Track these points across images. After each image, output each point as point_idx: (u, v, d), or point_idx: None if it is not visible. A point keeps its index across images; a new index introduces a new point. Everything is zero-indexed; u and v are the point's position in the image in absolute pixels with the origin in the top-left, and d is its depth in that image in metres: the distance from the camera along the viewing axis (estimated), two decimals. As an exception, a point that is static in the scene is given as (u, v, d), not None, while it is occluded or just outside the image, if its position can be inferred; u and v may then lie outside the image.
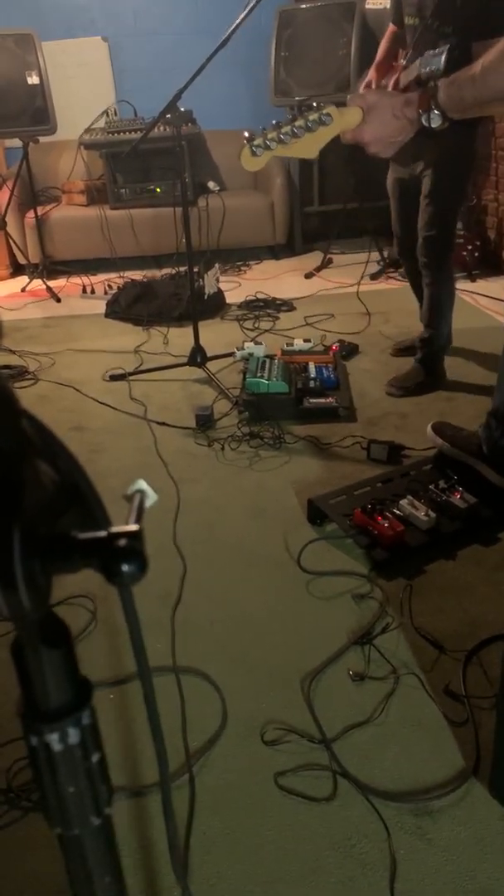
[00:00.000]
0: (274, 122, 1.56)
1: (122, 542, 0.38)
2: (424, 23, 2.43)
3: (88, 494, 0.43)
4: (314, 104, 1.52)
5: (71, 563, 0.39)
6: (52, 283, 4.77)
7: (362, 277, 4.38)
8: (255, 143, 1.55)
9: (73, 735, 0.45)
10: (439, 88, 1.52)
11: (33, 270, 4.99)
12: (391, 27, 2.76)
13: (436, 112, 1.53)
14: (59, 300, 4.62)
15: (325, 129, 1.53)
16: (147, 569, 0.38)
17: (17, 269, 5.31)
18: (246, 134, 1.56)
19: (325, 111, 1.51)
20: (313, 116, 1.51)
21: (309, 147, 1.56)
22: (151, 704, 0.44)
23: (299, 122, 1.52)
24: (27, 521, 0.36)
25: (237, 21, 2.47)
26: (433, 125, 1.54)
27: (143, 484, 0.44)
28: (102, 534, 0.40)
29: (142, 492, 0.43)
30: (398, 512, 2.03)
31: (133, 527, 0.40)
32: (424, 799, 1.33)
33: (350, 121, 1.56)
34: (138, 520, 0.41)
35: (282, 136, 1.53)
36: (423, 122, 1.55)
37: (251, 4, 2.45)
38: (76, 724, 0.45)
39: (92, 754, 0.46)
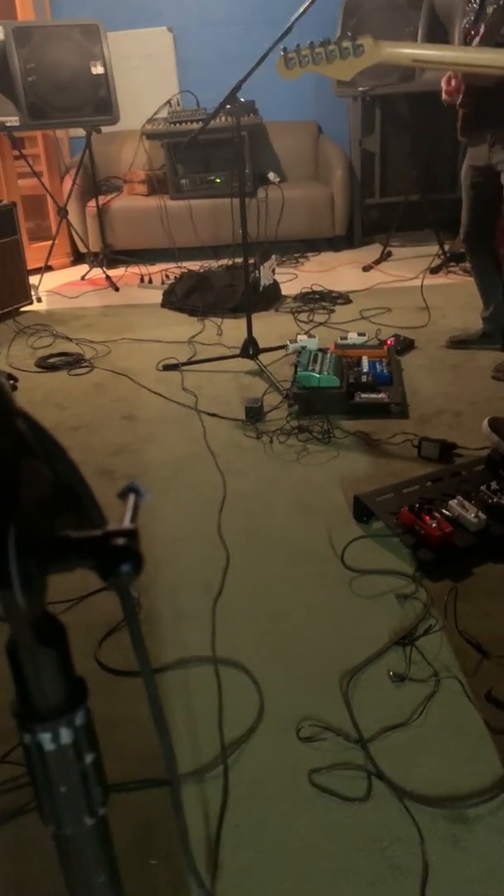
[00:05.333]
0: (309, 42, 1.66)
1: (120, 541, 0.38)
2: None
3: (84, 494, 0.42)
4: (350, 34, 1.59)
5: (67, 563, 0.39)
6: (110, 273, 4.83)
7: (425, 271, 4.30)
8: (290, 56, 1.65)
9: (66, 735, 0.45)
10: None
11: (93, 259, 5.06)
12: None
13: None
14: (117, 289, 4.67)
15: (357, 60, 1.57)
16: (143, 568, 0.38)
17: (77, 258, 5.40)
18: (283, 48, 1.70)
19: (358, 42, 1.55)
20: (346, 44, 1.55)
21: (342, 71, 1.64)
22: (155, 704, 0.44)
23: (332, 48, 1.58)
24: (23, 521, 0.36)
25: (299, 11, 2.44)
26: None
27: (136, 483, 0.43)
28: (98, 533, 0.40)
29: (136, 491, 0.43)
30: (447, 512, 1.99)
31: (129, 526, 0.39)
32: (460, 806, 1.31)
33: (385, 55, 1.59)
34: (134, 519, 0.41)
35: (315, 56, 1.59)
36: None
37: (314, -6, 2.43)
38: (69, 724, 0.45)
39: (85, 755, 0.46)
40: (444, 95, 2.77)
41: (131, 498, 0.42)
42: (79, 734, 0.46)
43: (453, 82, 2.71)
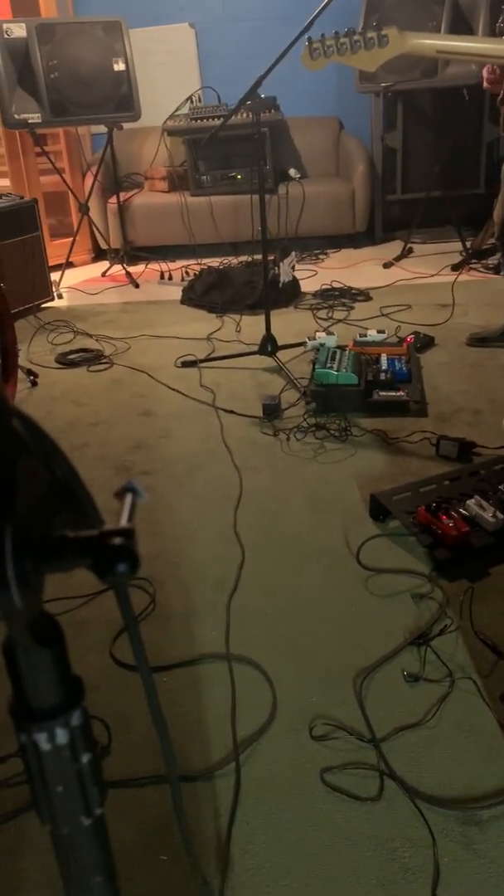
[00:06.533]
0: (335, 31, 1.66)
1: (116, 540, 0.38)
2: None
3: (81, 494, 0.42)
4: (375, 24, 1.59)
5: (63, 563, 0.39)
6: (131, 269, 4.85)
7: (460, 270, 4.27)
8: (315, 46, 1.64)
9: (62, 735, 0.45)
10: None
11: (114, 256, 5.08)
12: None
13: None
14: (137, 286, 4.69)
15: (381, 50, 1.56)
16: (139, 567, 0.38)
17: (98, 254, 5.42)
18: (308, 38, 1.70)
19: (383, 32, 1.54)
20: (371, 35, 1.54)
21: (366, 61, 1.63)
22: (154, 703, 0.44)
23: (357, 38, 1.57)
24: (19, 521, 0.36)
25: (320, 6, 2.43)
26: None
27: (134, 482, 0.43)
28: (94, 533, 0.40)
29: (134, 490, 0.43)
30: (464, 512, 1.98)
31: (125, 525, 0.40)
32: (473, 808, 1.30)
33: (410, 46, 1.58)
34: (130, 518, 0.41)
35: (339, 46, 1.58)
36: None
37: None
38: (65, 724, 0.45)
39: (82, 755, 0.46)
40: (484, 83, 2.76)
41: (128, 497, 0.42)
42: (75, 734, 0.46)
43: (496, 72, 2.68)
